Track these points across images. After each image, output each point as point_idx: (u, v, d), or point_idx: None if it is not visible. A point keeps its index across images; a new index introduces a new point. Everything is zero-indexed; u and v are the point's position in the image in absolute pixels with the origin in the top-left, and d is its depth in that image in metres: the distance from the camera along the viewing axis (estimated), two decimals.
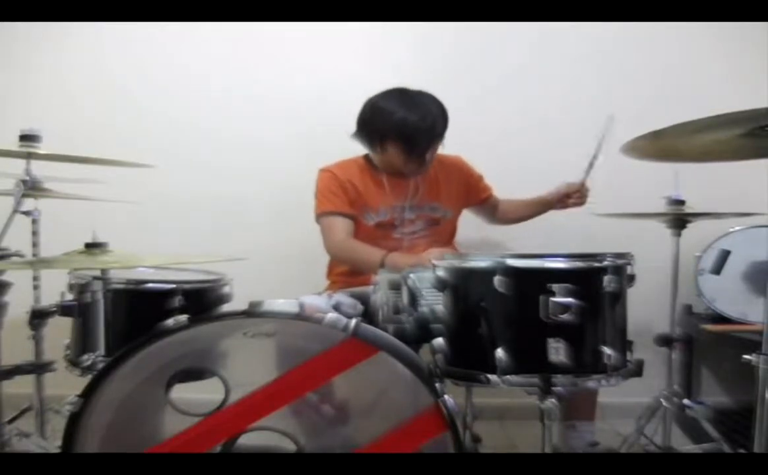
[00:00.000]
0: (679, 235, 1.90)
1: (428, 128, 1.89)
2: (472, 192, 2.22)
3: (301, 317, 1.21)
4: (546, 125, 2.54)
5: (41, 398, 1.89)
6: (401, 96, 1.94)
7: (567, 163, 2.34)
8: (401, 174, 2.04)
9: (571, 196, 2.07)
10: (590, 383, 1.26)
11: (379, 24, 2.42)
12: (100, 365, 1.38)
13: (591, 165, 1.96)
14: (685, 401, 1.91)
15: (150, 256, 1.63)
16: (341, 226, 2.00)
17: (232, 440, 1.22)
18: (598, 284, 1.26)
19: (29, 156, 1.71)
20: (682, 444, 2.04)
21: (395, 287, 1.48)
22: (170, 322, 1.26)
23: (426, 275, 1.42)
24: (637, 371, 1.34)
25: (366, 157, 2.12)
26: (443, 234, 2.13)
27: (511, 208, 2.30)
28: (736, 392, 2.49)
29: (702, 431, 1.89)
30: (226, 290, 1.75)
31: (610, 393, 1.50)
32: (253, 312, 1.22)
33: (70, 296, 1.59)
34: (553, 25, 2.39)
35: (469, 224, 2.38)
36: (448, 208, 2.12)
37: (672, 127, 1.26)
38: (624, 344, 1.33)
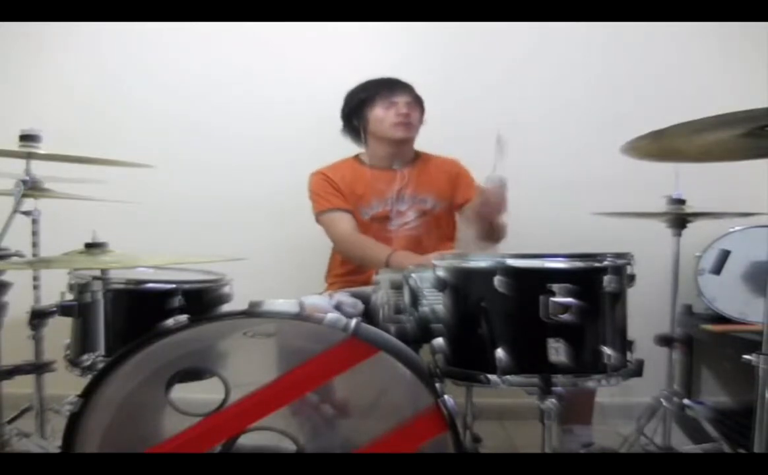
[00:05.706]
0: (679, 235, 1.90)
1: (399, 80, 2.07)
2: (460, 188, 2.14)
3: (301, 317, 1.21)
4: (545, 125, 2.53)
5: (41, 398, 1.90)
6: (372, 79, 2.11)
7: (566, 163, 2.35)
8: (389, 168, 2.08)
9: (486, 205, 1.85)
10: (590, 383, 1.26)
11: (379, 24, 2.42)
12: (100, 365, 1.38)
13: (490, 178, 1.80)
14: (685, 401, 1.91)
15: (150, 256, 1.62)
16: (345, 219, 2.04)
17: (232, 440, 1.21)
18: (598, 284, 1.26)
19: (29, 156, 1.71)
20: (682, 444, 2.04)
21: (396, 286, 1.48)
22: (170, 322, 1.25)
23: (427, 275, 1.42)
24: (637, 371, 1.33)
25: (356, 157, 2.17)
26: (435, 225, 2.10)
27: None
28: (736, 392, 2.48)
29: (702, 431, 1.89)
30: (226, 290, 1.75)
31: (610, 393, 1.51)
32: (253, 312, 1.21)
33: (70, 296, 1.59)
34: (553, 25, 2.39)
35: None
36: (437, 199, 2.11)
37: (672, 127, 1.25)
38: (624, 344, 1.33)
